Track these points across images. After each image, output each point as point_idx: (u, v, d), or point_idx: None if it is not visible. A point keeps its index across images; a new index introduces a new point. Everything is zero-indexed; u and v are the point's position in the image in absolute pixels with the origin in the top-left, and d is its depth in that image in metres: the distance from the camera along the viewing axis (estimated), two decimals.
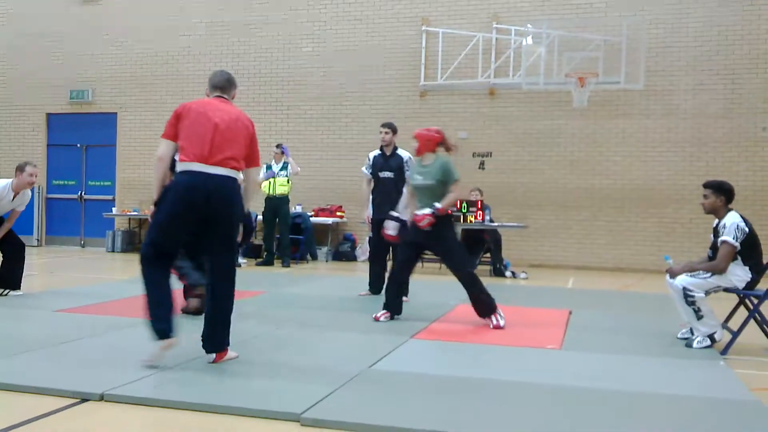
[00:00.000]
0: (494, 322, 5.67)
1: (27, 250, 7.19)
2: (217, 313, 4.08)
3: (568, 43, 11.02)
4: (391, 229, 6.18)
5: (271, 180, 10.92)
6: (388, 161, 7.34)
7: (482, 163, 12.19)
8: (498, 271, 10.13)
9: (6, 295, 6.79)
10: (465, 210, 10.13)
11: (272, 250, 11.10)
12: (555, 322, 6.05)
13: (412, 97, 12.44)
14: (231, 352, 4.19)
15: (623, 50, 10.63)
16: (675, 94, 11.45)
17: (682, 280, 5.08)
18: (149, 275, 3.99)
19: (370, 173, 7.45)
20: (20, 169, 6.63)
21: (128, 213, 13.18)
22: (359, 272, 10.58)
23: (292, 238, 11.29)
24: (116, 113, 13.99)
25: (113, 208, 13.57)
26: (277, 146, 11.14)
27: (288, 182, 10.98)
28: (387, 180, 7.30)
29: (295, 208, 11.90)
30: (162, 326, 3.91)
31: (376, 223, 7.15)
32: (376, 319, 5.90)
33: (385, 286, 6.28)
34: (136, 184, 13.70)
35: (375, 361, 4.34)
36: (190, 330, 4.38)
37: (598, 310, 6.99)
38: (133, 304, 6.26)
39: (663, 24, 11.43)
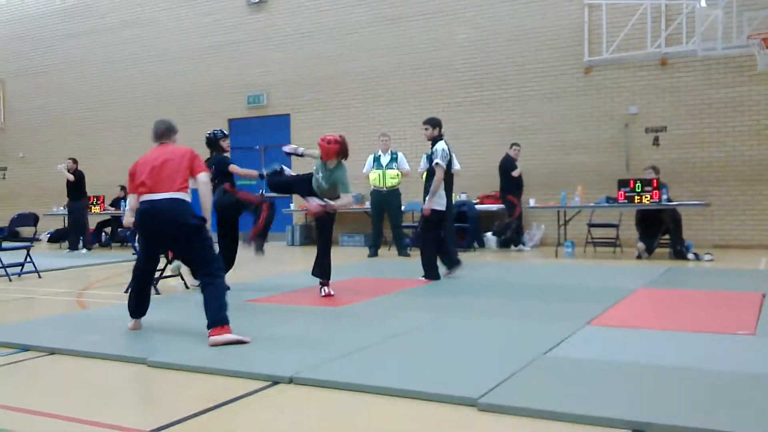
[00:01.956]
0: (325, 291, 6.56)
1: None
2: (206, 300, 4.76)
3: (747, 2, 10.12)
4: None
5: (380, 173, 10.99)
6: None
7: (656, 139, 11.51)
8: (679, 254, 9.53)
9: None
10: (639, 190, 9.62)
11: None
12: (746, 307, 5.59)
13: (575, 75, 12.01)
14: (231, 335, 4.58)
15: None
16: None
17: None
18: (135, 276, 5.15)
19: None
20: None
21: (305, 208, 13.85)
22: (525, 259, 10.43)
23: (457, 226, 11.32)
24: (289, 115, 14.82)
25: (291, 204, 14.37)
26: (382, 135, 11.20)
27: (398, 175, 11.04)
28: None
29: (459, 196, 11.91)
30: (131, 308, 5.10)
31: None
32: (328, 296, 6.51)
33: (319, 263, 6.79)
34: None
35: (550, 348, 4.26)
36: (363, 320, 4.53)
37: None
38: (315, 294, 6.64)
39: None
